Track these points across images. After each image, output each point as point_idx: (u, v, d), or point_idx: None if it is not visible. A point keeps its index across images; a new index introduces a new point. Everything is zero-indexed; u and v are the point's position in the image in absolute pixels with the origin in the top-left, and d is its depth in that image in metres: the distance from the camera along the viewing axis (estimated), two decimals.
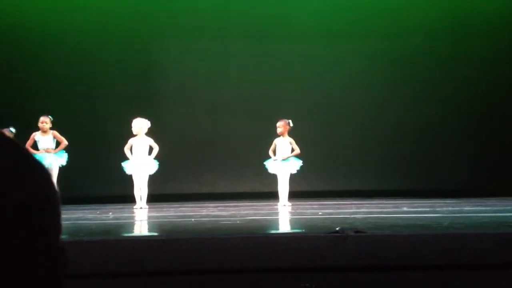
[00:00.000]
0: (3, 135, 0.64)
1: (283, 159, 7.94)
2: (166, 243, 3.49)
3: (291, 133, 8.14)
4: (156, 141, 8.00)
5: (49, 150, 7.83)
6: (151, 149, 7.99)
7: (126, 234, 4.47)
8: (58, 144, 8.05)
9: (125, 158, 7.95)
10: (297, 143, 8.06)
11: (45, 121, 7.94)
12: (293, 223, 5.41)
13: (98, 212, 6.51)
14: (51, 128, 8.02)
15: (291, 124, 8.07)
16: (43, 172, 0.64)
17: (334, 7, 10.12)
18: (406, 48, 9.95)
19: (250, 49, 10.03)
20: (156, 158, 7.98)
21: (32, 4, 9.86)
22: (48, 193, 0.63)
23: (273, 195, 8.17)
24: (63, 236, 0.65)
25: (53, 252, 0.62)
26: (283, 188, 7.95)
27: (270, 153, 8.07)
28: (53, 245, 0.62)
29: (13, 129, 8.11)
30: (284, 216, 6.24)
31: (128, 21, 9.92)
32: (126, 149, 7.90)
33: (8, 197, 0.59)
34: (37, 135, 7.94)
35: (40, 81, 9.73)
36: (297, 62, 10.04)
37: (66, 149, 8.05)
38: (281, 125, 8.06)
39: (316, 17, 10.04)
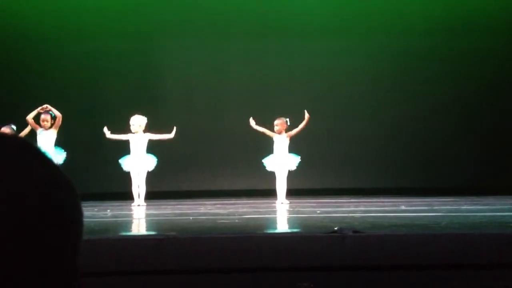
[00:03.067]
0: (37, 149, 0.64)
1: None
2: (164, 243, 3.49)
3: (290, 129, 8.14)
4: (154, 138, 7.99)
5: (45, 107, 7.82)
6: (149, 146, 7.97)
7: (124, 233, 4.47)
8: (57, 141, 8.04)
9: (123, 154, 7.93)
10: (296, 139, 8.06)
11: (46, 119, 7.93)
12: (291, 222, 5.41)
13: (96, 210, 6.51)
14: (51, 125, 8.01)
15: (289, 123, 8.08)
16: (71, 190, 0.64)
17: (334, 4, 10.10)
18: (405, 45, 9.93)
19: (249, 45, 10.01)
20: (154, 155, 7.97)
21: (32, 4, 9.83)
22: (73, 213, 0.63)
23: (271, 192, 8.17)
24: None
25: (69, 274, 0.62)
26: (281, 186, 7.95)
27: (259, 128, 8.05)
28: (71, 268, 0.62)
29: (14, 127, 8.09)
30: (282, 214, 6.24)
31: (127, 19, 9.90)
32: (120, 136, 7.87)
33: (32, 215, 0.59)
34: (38, 129, 7.94)
35: (39, 79, 9.71)
36: (296, 59, 10.03)
37: (65, 146, 8.04)
38: (279, 123, 8.06)
39: (316, 14, 10.02)
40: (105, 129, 7.92)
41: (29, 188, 0.60)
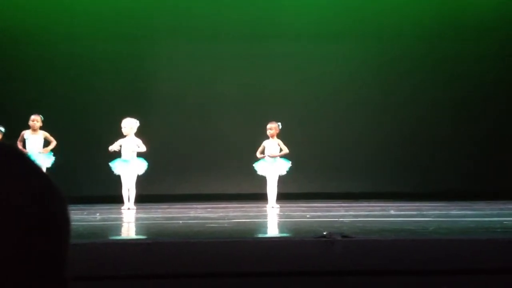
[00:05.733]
0: (27, 157, 0.65)
1: (271, 156, 7.95)
2: (153, 247, 3.48)
3: (281, 134, 8.16)
4: (145, 141, 7.96)
5: (43, 151, 7.79)
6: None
7: (112, 237, 4.45)
8: (46, 144, 8.01)
9: (113, 157, 7.91)
10: (286, 144, 8.08)
11: (36, 119, 7.91)
12: (281, 226, 5.42)
13: (85, 213, 6.48)
14: (41, 128, 7.98)
15: (280, 127, 8.12)
16: (61, 200, 0.65)
17: (327, 9, 10.13)
18: (397, 50, 9.98)
19: (242, 50, 10.02)
20: (144, 158, 7.95)
21: (23, 6, 9.80)
22: (63, 225, 0.64)
23: (262, 196, 8.18)
24: None
25: (58, 282, 0.63)
26: (272, 190, 7.96)
27: (258, 155, 8.08)
28: (60, 276, 0.63)
29: (2, 129, 8.05)
30: (272, 219, 6.25)
31: (119, 22, 9.89)
32: (114, 147, 7.82)
33: (23, 227, 0.59)
34: (26, 133, 7.91)
35: (30, 81, 9.68)
36: (287, 63, 10.05)
37: (54, 148, 8.02)
38: (273, 127, 8.08)
39: (308, 19, 10.05)
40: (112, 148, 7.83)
41: (21, 197, 0.60)
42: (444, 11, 10.07)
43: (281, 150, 8.03)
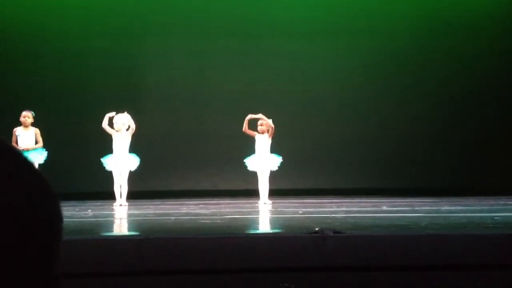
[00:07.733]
0: (22, 155, 0.64)
1: (253, 118, 7.93)
2: (145, 243, 3.48)
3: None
4: (137, 137, 7.93)
5: (29, 147, 7.75)
6: (132, 145, 7.91)
7: (104, 234, 4.44)
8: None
9: (105, 153, 7.87)
10: (278, 140, 8.07)
11: (27, 116, 7.86)
12: (273, 222, 5.42)
13: (77, 210, 6.46)
14: (33, 124, 7.93)
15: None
16: (55, 201, 0.65)
17: (320, 6, 10.13)
18: (390, 48, 10.00)
19: (234, 46, 10.01)
20: (136, 154, 7.92)
21: (14, 2, 9.74)
22: (55, 224, 0.64)
23: (254, 193, 8.17)
24: None
25: (49, 280, 0.63)
26: (263, 186, 7.96)
27: (245, 124, 8.02)
28: (52, 274, 0.63)
29: None
30: (264, 215, 6.26)
31: (111, 18, 9.84)
32: (109, 129, 7.77)
33: (17, 226, 0.59)
34: (18, 130, 7.86)
35: (23, 77, 9.62)
36: (280, 60, 10.04)
37: (46, 145, 7.97)
38: (264, 123, 8.06)
39: (301, 15, 10.05)
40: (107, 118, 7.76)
41: (16, 196, 0.60)
42: (437, 9, 10.09)
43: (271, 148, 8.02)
